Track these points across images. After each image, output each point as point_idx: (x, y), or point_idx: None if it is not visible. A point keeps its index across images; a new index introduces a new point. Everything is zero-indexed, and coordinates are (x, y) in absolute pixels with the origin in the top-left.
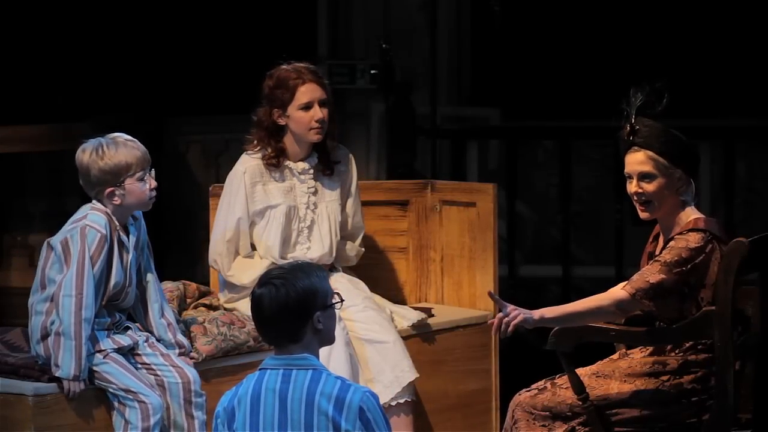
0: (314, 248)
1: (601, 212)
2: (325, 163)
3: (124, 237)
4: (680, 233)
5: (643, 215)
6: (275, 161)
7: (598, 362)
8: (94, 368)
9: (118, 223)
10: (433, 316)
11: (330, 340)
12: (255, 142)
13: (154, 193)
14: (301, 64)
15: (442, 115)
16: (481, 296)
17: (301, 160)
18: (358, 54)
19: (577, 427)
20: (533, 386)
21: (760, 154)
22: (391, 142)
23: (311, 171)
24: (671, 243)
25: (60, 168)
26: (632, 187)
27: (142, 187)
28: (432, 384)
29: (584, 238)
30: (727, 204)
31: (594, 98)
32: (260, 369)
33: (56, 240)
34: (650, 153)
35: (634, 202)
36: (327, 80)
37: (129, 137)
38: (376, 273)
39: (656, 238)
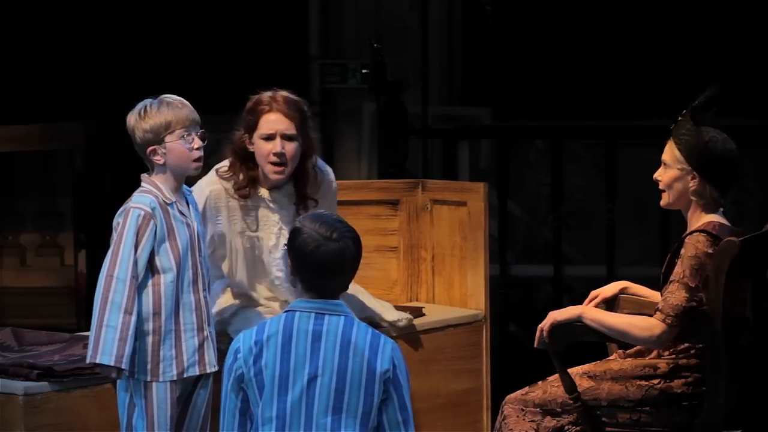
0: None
1: (593, 212)
2: (300, 195)
3: (183, 208)
4: (690, 233)
5: (661, 201)
6: (246, 191)
7: (592, 363)
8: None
9: (171, 196)
10: (423, 315)
11: None
12: (228, 166)
13: (198, 153)
14: (283, 93)
15: (433, 114)
16: (472, 295)
17: (275, 187)
18: (349, 53)
19: (567, 426)
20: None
21: (751, 155)
22: (382, 142)
23: (285, 199)
24: (682, 251)
25: (52, 167)
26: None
27: (184, 145)
28: (423, 383)
29: (576, 238)
30: None
31: (585, 98)
32: (287, 311)
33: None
34: (672, 143)
35: None
36: (307, 113)
37: (177, 97)
38: (367, 272)
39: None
